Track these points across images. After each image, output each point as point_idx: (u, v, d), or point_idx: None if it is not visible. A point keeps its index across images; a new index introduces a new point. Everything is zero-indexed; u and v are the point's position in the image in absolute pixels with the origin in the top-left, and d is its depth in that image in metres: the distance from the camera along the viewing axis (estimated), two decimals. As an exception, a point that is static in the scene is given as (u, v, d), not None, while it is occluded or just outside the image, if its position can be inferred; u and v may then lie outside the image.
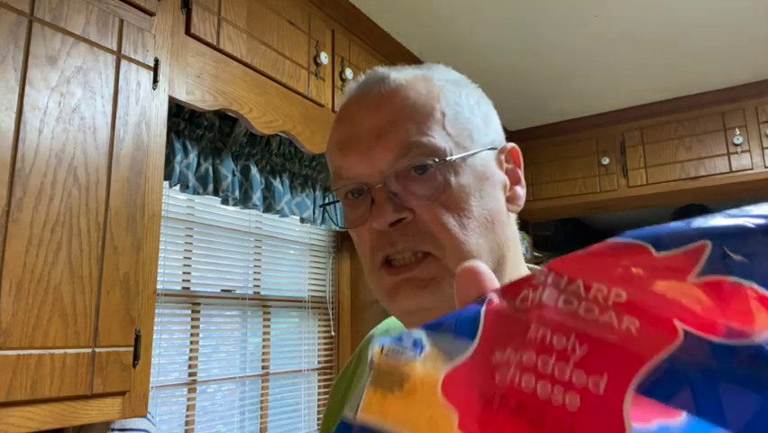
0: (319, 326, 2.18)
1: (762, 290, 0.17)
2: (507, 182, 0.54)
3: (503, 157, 0.54)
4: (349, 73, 1.83)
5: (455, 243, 0.48)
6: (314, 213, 1.91)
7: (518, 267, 0.55)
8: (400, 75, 0.52)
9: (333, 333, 2.22)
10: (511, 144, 0.56)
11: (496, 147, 0.54)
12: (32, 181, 0.96)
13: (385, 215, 0.48)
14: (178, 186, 1.52)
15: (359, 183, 0.51)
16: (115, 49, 1.13)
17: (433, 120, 0.50)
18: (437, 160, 0.48)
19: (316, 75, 1.72)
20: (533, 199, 3.03)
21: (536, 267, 0.57)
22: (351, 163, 0.51)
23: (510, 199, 0.54)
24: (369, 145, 0.50)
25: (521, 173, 0.55)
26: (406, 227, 0.49)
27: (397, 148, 0.49)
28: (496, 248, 0.50)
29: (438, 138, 0.49)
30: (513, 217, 0.55)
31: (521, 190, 0.55)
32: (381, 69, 0.54)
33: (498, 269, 0.51)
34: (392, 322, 0.67)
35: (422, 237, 0.48)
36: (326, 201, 0.55)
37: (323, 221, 1.95)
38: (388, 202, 0.49)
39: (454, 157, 0.49)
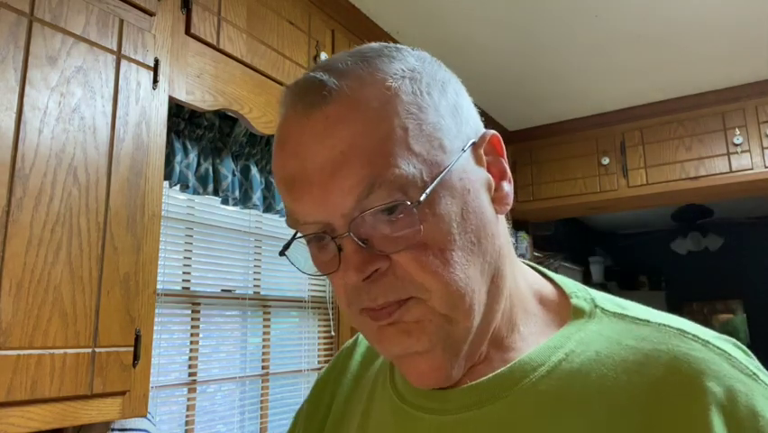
0: (319, 326, 2.18)
1: None
2: (492, 180, 0.46)
3: (482, 150, 0.46)
4: (349, 73, 1.83)
5: (440, 284, 0.42)
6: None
7: (515, 269, 0.50)
8: (344, 81, 0.42)
9: (333, 333, 2.22)
10: (490, 132, 0.47)
11: (473, 141, 0.45)
12: (31, 181, 0.96)
13: (356, 270, 0.41)
14: (178, 186, 1.52)
15: (320, 229, 0.43)
16: (115, 49, 1.13)
17: (394, 142, 0.41)
18: (409, 197, 0.40)
19: (316, 75, 1.72)
20: (533, 199, 3.03)
21: (532, 264, 0.55)
22: (305, 208, 0.42)
23: (497, 200, 0.47)
24: (323, 187, 0.41)
25: (505, 163, 0.48)
26: (382, 278, 0.42)
27: (358, 188, 0.40)
28: (487, 268, 0.45)
29: (405, 165, 0.40)
30: (502, 218, 0.49)
31: (508, 186, 0.47)
32: (318, 77, 0.43)
33: (494, 288, 0.46)
34: None
35: (403, 285, 0.42)
36: (286, 244, 0.46)
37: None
38: (359, 252, 0.41)
39: (429, 189, 0.41)
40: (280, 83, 1.58)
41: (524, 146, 3.11)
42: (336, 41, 1.85)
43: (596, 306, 0.48)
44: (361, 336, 0.63)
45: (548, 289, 0.51)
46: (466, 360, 0.46)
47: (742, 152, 2.56)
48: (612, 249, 6.08)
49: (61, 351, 0.97)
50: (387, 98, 0.42)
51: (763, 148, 2.53)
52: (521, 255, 3.13)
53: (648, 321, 0.45)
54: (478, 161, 0.46)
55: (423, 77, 0.44)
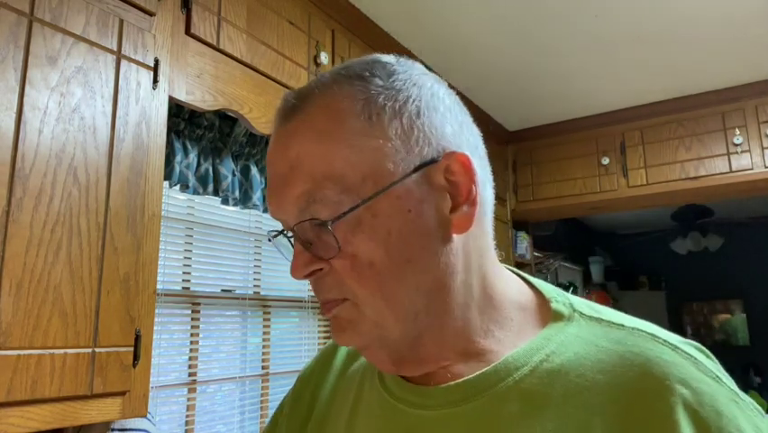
0: (319, 326, 2.18)
1: None
2: (448, 202, 0.47)
3: (441, 171, 0.47)
4: (349, 73, 1.83)
5: (366, 294, 0.46)
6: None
7: (485, 279, 0.51)
8: (306, 102, 0.48)
9: (333, 333, 2.22)
10: (453, 153, 0.47)
11: (432, 158, 0.47)
12: (31, 181, 0.96)
13: (297, 268, 0.48)
14: (178, 186, 1.52)
15: (283, 226, 0.50)
16: (115, 49, 1.13)
17: (331, 162, 0.45)
18: (331, 217, 0.45)
19: (316, 75, 1.72)
20: (533, 199, 3.03)
21: (515, 270, 0.57)
22: (272, 206, 0.50)
23: (454, 222, 0.47)
24: (279, 193, 0.48)
25: (474, 184, 0.48)
26: (324, 278, 0.47)
27: (300, 199, 0.46)
28: (424, 284, 0.47)
29: (336, 188, 0.45)
30: (466, 238, 0.49)
31: (468, 208, 0.48)
32: (291, 96, 0.49)
33: (438, 299, 0.48)
34: None
35: (338, 288, 0.47)
36: (271, 234, 0.53)
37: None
38: (303, 253, 0.47)
39: (346, 213, 0.45)
40: (280, 83, 1.58)
41: (524, 146, 3.11)
42: (336, 41, 1.85)
43: (574, 310, 0.51)
44: None
45: (529, 294, 0.54)
46: (419, 358, 0.50)
47: (742, 152, 2.56)
48: (612, 249, 6.08)
49: (61, 351, 0.97)
50: (335, 121, 0.46)
51: (763, 148, 2.53)
52: (521, 255, 3.13)
53: (622, 325, 0.48)
54: (432, 181, 0.47)
55: (380, 99, 0.47)
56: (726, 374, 0.46)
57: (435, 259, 0.47)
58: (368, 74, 0.48)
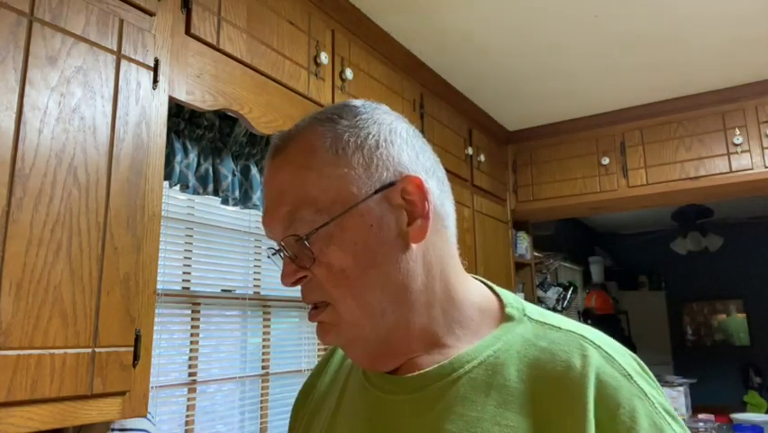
0: (319, 326, 2.18)
1: None
2: (405, 217, 0.57)
3: (398, 192, 0.57)
4: (349, 73, 1.83)
5: (340, 297, 0.56)
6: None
7: (449, 283, 0.60)
8: (286, 142, 0.59)
9: (333, 333, 2.22)
10: (408, 176, 0.57)
11: (390, 182, 0.57)
12: (31, 181, 0.96)
13: (285, 276, 0.58)
14: (178, 186, 1.52)
15: (275, 244, 0.59)
16: (115, 49, 1.13)
17: (305, 189, 0.56)
18: (306, 234, 0.55)
19: (316, 75, 1.72)
20: (533, 199, 3.03)
21: (483, 280, 0.65)
22: (265, 227, 0.60)
23: (411, 233, 0.57)
24: (270, 214, 0.59)
25: (427, 202, 0.57)
26: (307, 285, 0.58)
27: (283, 220, 0.57)
28: (389, 286, 0.56)
29: (311, 209, 0.55)
30: (424, 246, 0.58)
31: (422, 222, 0.57)
32: (278, 138, 0.60)
33: (401, 300, 0.57)
34: None
35: (319, 292, 0.57)
36: (271, 251, 0.62)
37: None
38: (290, 264, 0.58)
39: (322, 226, 0.55)
40: (280, 83, 1.58)
41: (524, 146, 3.11)
42: (336, 41, 1.85)
43: (524, 314, 0.60)
44: None
45: (490, 299, 0.63)
46: (390, 354, 0.59)
47: (742, 152, 2.56)
48: (612, 249, 6.08)
49: (61, 351, 0.97)
50: (309, 155, 0.57)
51: (763, 148, 2.53)
52: (521, 255, 3.13)
53: (560, 327, 0.58)
54: (390, 200, 0.57)
55: (345, 136, 0.57)
56: (645, 377, 0.54)
57: (396, 265, 0.57)
58: (336, 116, 0.59)
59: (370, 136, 0.58)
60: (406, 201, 0.57)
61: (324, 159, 0.56)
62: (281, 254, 0.59)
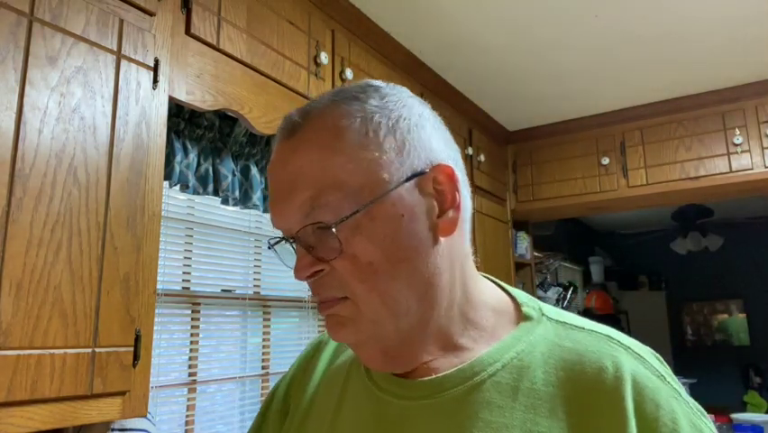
0: (319, 326, 2.18)
1: None
2: (435, 208, 0.53)
3: (432, 179, 0.53)
4: (349, 73, 1.83)
5: (364, 292, 0.51)
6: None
7: (466, 282, 0.57)
8: (309, 120, 0.53)
9: (333, 333, 2.22)
10: (441, 165, 0.53)
11: (422, 170, 0.53)
12: (31, 181, 0.96)
13: (301, 269, 0.52)
14: (178, 186, 1.52)
15: (285, 234, 0.54)
16: (115, 49, 1.13)
17: (333, 172, 0.50)
18: (334, 220, 0.50)
19: (316, 75, 1.72)
20: (533, 199, 3.03)
21: (493, 279, 0.62)
22: (275, 215, 0.54)
23: (441, 225, 0.53)
24: (282, 201, 0.53)
25: (458, 192, 0.54)
26: (324, 278, 0.52)
27: (302, 207, 0.51)
28: (416, 282, 0.52)
29: (338, 195, 0.50)
30: (450, 239, 0.54)
31: (453, 213, 0.53)
32: (293, 116, 0.54)
33: (427, 297, 0.53)
34: None
35: (338, 287, 0.52)
36: (272, 241, 0.57)
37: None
38: (306, 255, 0.52)
39: (349, 216, 0.50)
40: (280, 83, 1.58)
41: (524, 146, 3.11)
42: (336, 41, 1.85)
43: (542, 314, 0.57)
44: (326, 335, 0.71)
45: (504, 300, 0.60)
46: (406, 355, 0.55)
47: (742, 152, 2.56)
48: (612, 249, 6.08)
49: (61, 351, 0.97)
50: (336, 136, 0.51)
51: (763, 148, 2.53)
52: (521, 255, 3.13)
53: (583, 327, 0.55)
54: (422, 189, 0.53)
55: (375, 117, 0.53)
56: (673, 376, 0.53)
57: (425, 259, 0.53)
58: (363, 96, 0.54)
59: (402, 119, 0.53)
60: (437, 191, 0.53)
61: (353, 140, 0.51)
62: (292, 246, 0.54)
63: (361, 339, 0.54)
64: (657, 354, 0.55)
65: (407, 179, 0.52)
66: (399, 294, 0.52)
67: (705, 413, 0.51)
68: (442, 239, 0.53)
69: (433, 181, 0.53)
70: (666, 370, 0.53)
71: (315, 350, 0.70)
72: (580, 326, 0.56)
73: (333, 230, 0.50)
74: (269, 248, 0.57)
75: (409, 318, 0.53)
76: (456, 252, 0.56)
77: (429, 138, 0.55)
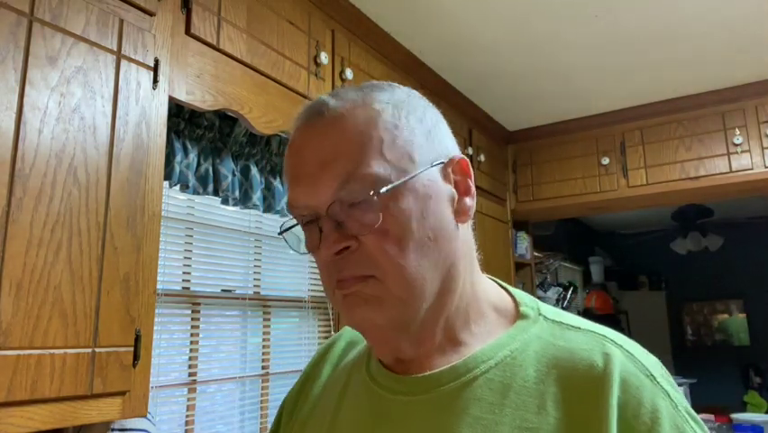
0: (319, 326, 2.18)
1: None
2: (455, 194, 0.57)
3: (450, 169, 0.57)
4: (349, 73, 1.83)
5: (395, 268, 0.52)
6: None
7: (473, 276, 0.60)
8: (340, 103, 0.55)
9: (333, 333, 2.22)
10: (459, 156, 0.58)
11: (442, 161, 0.56)
12: (31, 181, 0.96)
13: (329, 245, 0.52)
14: (178, 186, 1.52)
15: (309, 212, 0.54)
16: (115, 49, 1.13)
17: (370, 148, 0.52)
18: (374, 190, 0.51)
19: (316, 75, 1.72)
20: (533, 199, 3.03)
21: (495, 279, 0.64)
22: (300, 194, 0.54)
23: (458, 212, 0.56)
24: (314, 177, 0.53)
25: (471, 183, 0.58)
26: (351, 255, 0.52)
27: (338, 180, 0.52)
28: (441, 264, 0.54)
29: (376, 167, 0.52)
30: (465, 228, 0.58)
31: (470, 201, 0.57)
32: (324, 98, 0.56)
33: (446, 281, 0.55)
34: None
35: (366, 264, 0.52)
36: (284, 227, 0.58)
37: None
38: (334, 231, 0.52)
39: (390, 186, 0.51)
40: (280, 83, 1.58)
41: (524, 146, 3.11)
42: (336, 41, 1.85)
43: (539, 313, 0.59)
44: (340, 334, 0.74)
45: (505, 298, 0.62)
46: (417, 340, 0.56)
47: (742, 152, 2.56)
48: (612, 249, 6.08)
49: (61, 351, 0.97)
50: (371, 116, 0.54)
51: (763, 148, 2.53)
52: (521, 255, 3.13)
53: (579, 327, 0.57)
54: (445, 177, 0.56)
55: (405, 106, 0.56)
56: (668, 378, 0.53)
57: (450, 242, 0.55)
58: (389, 88, 0.58)
59: (427, 114, 0.58)
60: (455, 181, 0.57)
61: (388, 122, 0.54)
62: (318, 223, 0.54)
63: (380, 320, 0.54)
64: (653, 357, 0.55)
65: (433, 165, 0.55)
66: (426, 273, 0.53)
67: (697, 418, 0.51)
68: (460, 226, 0.57)
69: (452, 171, 0.57)
70: (660, 371, 0.53)
71: (321, 356, 0.72)
72: (576, 325, 0.57)
73: (375, 198, 0.51)
74: (279, 234, 0.58)
75: (430, 302, 0.54)
76: (469, 242, 0.59)
77: (446, 134, 0.60)
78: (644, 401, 0.49)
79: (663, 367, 0.55)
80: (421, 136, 0.55)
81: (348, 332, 0.73)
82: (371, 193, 0.51)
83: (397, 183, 0.52)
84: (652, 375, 0.51)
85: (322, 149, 0.53)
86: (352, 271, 0.52)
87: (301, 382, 0.72)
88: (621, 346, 0.53)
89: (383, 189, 0.51)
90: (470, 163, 0.58)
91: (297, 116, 0.57)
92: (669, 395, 0.51)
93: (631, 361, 0.52)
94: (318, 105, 0.55)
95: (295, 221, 0.57)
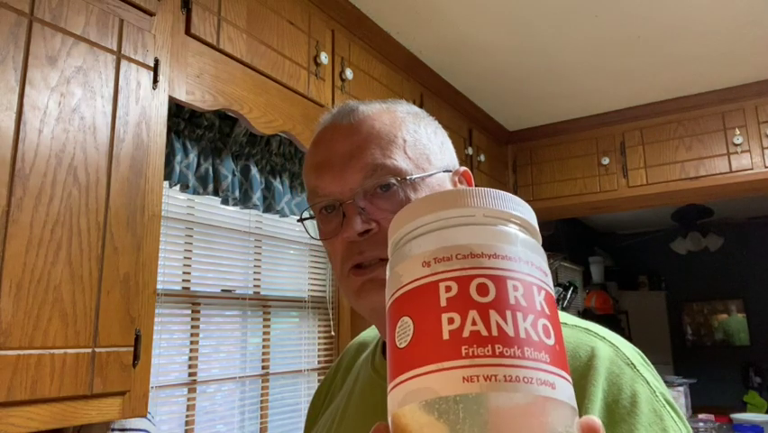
0: (319, 326, 2.18)
1: None
2: None
3: (456, 178, 0.65)
4: (349, 73, 1.83)
5: None
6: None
7: None
8: (368, 108, 0.62)
9: (333, 333, 2.22)
10: (463, 168, 0.66)
11: (450, 170, 0.64)
12: (31, 181, 0.96)
13: (354, 226, 0.57)
14: (178, 186, 1.52)
15: (332, 200, 0.60)
16: (115, 49, 1.13)
17: (395, 145, 0.60)
18: (399, 179, 0.58)
19: (316, 75, 1.72)
20: (533, 199, 3.03)
21: None
22: (325, 183, 0.60)
23: None
24: (341, 167, 0.59)
25: None
26: (372, 237, 0.58)
27: (365, 169, 0.58)
28: None
29: (400, 160, 0.59)
30: None
31: None
32: (352, 103, 0.64)
33: None
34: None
35: (386, 245, 0.54)
36: (303, 216, 0.65)
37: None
38: (357, 216, 0.58)
39: (414, 176, 0.59)
40: (280, 83, 1.58)
41: (524, 146, 3.11)
42: (336, 41, 1.85)
43: None
44: (348, 345, 0.80)
45: None
46: None
47: (742, 151, 2.56)
48: (612, 249, 6.08)
49: (61, 351, 0.97)
50: (395, 120, 0.62)
51: (763, 148, 2.53)
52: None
53: (566, 323, 0.59)
54: (453, 184, 0.64)
55: (422, 119, 0.65)
56: (648, 367, 0.56)
57: None
58: (405, 103, 0.65)
59: (438, 130, 0.66)
60: None
61: (410, 126, 0.62)
62: (341, 208, 0.59)
63: None
64: (638, 350, 0.59)
65: (444, 171, 0.62)
66: None
67: (675, 405, 0.54)
68: None
69: (458, 180, 0.64)
70: (640, 360, 0.56)
71: (344, 354, 0.79)
72: (563, 321, 0.59)
73: (398, 186, 0.58)
74: (298, 221, 0.65)
75: None
76: None
77: (452, 149, 0.67)
78: (624, 387, 0.52)
79: (645, 358, 0.58)
80: (435, 145, 0.63)
81: (356, 340, 0.79)
82: (395, 181, 0.58)
83: (416, 176, 0.59)
84: (632, 364, 0.54)
85: (350, 142, 0.59)
86: (371, 253, 0.57)
87: (319, 389, 0.80)
88: (604, 339, 0.57)
89: (408, 177, 0.58)
90: (471, 174, 0.66)
91: (324, 118, 0.65)
92: (648, 382, 0.53)
93: (614, 351, 0.55)
94: (348, 108, 0.63)
95: (311, 213, 0.63)
